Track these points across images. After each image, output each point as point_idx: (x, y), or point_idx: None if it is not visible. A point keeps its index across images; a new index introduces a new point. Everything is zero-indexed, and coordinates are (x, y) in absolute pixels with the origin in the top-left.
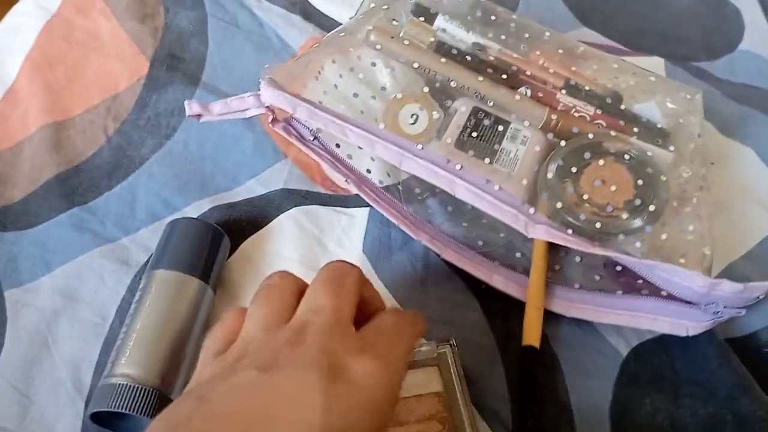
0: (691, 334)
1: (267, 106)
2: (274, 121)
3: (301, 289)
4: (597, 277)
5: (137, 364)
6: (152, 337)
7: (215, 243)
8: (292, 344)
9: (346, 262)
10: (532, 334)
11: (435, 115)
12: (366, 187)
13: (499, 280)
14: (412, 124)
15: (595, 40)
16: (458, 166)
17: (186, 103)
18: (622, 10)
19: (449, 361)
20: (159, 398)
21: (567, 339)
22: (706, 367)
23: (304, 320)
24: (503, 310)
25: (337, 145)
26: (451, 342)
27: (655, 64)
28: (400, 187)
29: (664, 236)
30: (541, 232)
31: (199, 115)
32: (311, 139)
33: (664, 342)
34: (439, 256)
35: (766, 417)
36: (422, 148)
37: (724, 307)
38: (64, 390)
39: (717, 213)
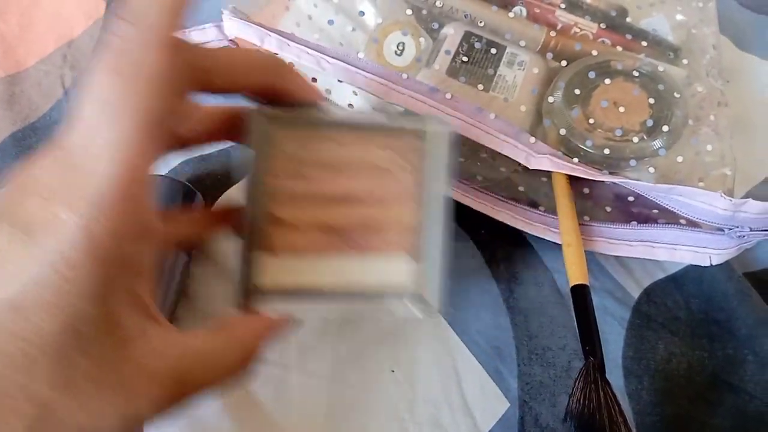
0: (714, 263)
1: (231, 39)
2: None
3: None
4: (608, 209)
5: None
6: None
7: (187, 202)
8: None
9: None
10: (575, 272)
11: (422, 42)
12: None
13: (506, 214)
14: (399, 55)
15: None
16: (448, 95)
17: None
18: None
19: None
20: None
21: None
22: (725, 306)
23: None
24: (506, 256)
25: (314, 80)
26: (452, 131)
27: None
28: None
29: (679, 159)
30: (544, 163)
31: None
32: None
33: (677, 281)
34: None
35: None
36: (407, 78)
37: (751, 230)
38: None
39: (735, 134)
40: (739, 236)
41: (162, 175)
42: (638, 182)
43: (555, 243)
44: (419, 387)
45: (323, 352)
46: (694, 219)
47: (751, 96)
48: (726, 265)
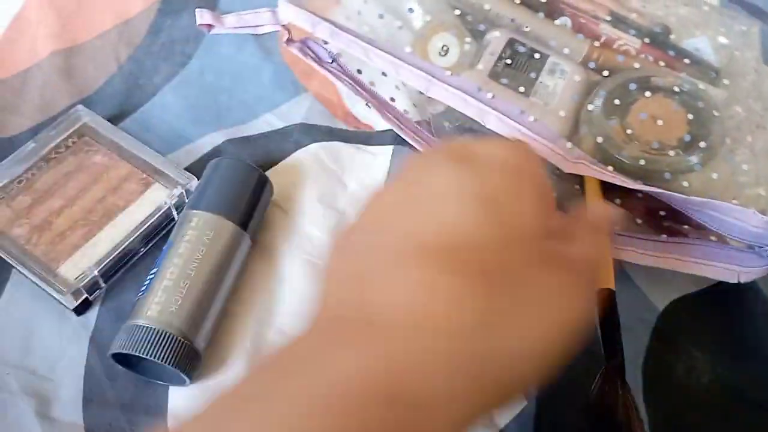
0: (742, 280)
1: (283, 24)
2: (289, 41)
3: None
4: (638, 221)
5: (166, 309)
6: (185, 283)
7: (258, 188)
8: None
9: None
10: (602, 275)
11: (467, 45)
12: (389, 113)
13: None
14: (443, 55)
15: None
16: (490, 95)
17: (197, 11)
18: None
19: None
20: (183, 347)
21: None
22: (751, 325)
23: None
24: None
25: (359, 71)
26: None
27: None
28: (428, 120)
29: (714, 176)
30: (580, 168)
31: (209, 26)
32: (329, 61)
33: (703, 297)
34: None
35: None
36: (451, 75)
37: None
38: (69, 323)
39: None
40: None
41: (238, 161)
42: (673, 194)
43: None
44: None
45: None
46: (726, 235)
47: None
48: (753, 285)
